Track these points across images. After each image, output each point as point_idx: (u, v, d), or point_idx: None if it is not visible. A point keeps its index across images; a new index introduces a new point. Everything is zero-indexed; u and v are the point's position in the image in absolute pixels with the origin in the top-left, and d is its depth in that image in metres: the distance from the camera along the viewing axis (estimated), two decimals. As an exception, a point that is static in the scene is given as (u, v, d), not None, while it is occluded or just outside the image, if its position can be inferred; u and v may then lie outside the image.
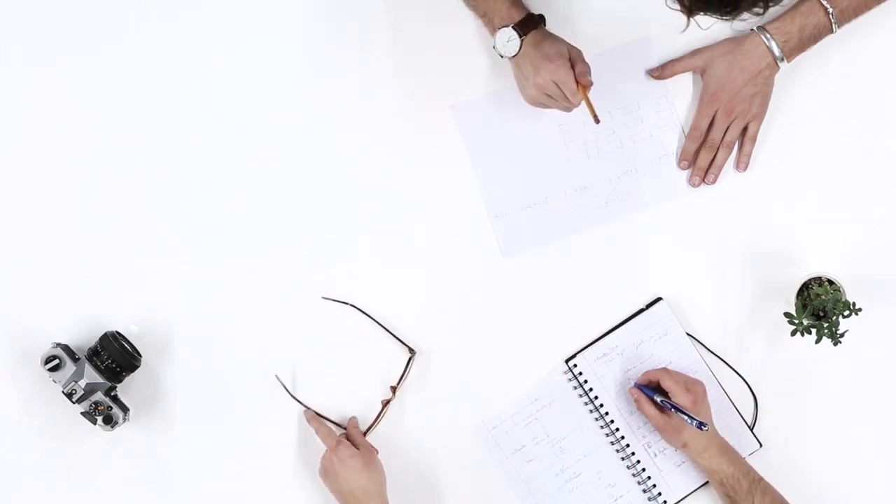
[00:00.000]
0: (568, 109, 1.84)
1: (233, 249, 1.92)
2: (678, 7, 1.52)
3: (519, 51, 1.81)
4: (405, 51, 1.86)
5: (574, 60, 1.81)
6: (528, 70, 1.81)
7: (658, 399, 1.84)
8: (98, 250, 1.92)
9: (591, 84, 1.81)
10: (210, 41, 1.94)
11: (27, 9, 1.93)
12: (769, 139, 1.93)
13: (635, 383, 1.89)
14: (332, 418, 1.91)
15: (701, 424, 1.79)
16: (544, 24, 1.84)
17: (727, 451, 1.84)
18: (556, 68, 1.79)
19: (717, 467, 1.82)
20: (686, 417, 1.80)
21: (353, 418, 1.91)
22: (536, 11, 1.84)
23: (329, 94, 1.94)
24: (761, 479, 1.82)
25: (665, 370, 1.87)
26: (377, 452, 1.88)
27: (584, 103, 1.81)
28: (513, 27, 1.80)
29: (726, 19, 1.53)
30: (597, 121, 1.82)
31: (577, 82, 1.80)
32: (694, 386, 1.84)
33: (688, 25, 1.58)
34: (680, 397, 1.82)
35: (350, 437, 1.88)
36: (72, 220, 1.93)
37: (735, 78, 1.88)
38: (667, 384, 1.84)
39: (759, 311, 1.92)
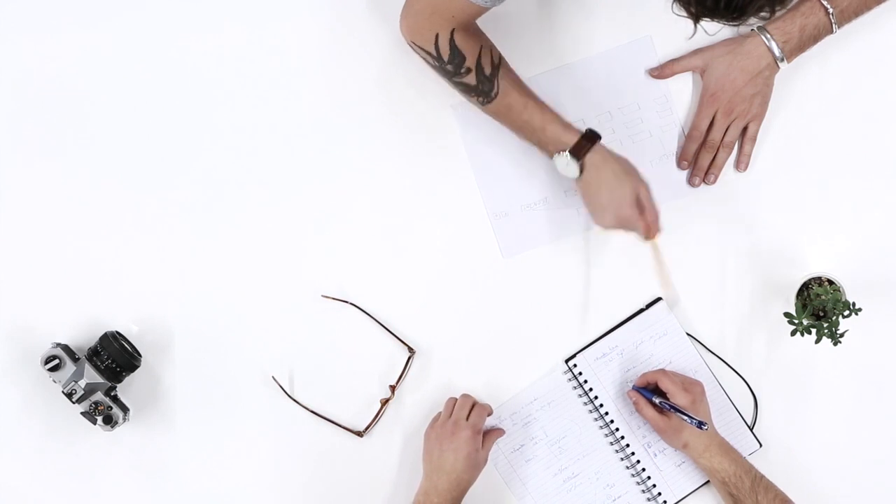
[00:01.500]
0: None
1: (232, 249, 1.93)
2: (685, 14, 1.52)
3: (581, 174, 1.81)
4: (405, 50, 1.85)
5: (641, 203, 1.82)
6: (603, 198, 1.82)
7: (657, 401, 1.84)
8: (98, 250, 1.92)
9: (660, 231, 1.84)
10: (209, 41, 1.94)
11: (28, 8, 1.94)
12: (769, 139, 1.93)
13: (634, 386, 1.89)
14: (335, 419, 1.91)
15: (700, 424, 1.79)
16: (600, 139, 1.82)
17: (728, 450, 1.84)
18: (626, 217, 1.81)
19: (719, 466, 1.82)
20: (685, 417, 1.80)
21: (502, 431, 1.89)
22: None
23: (329, 94, 1.94)
24: (762, 476, 1.82)
25: (663, 371, 1.87)
26: (486, 463, 1.86)
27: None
28: (568, 153, 1.81)
29: (733, 24, 1.53)
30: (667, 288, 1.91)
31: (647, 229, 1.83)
32: (692, 386, 1.84)
33: (695, 32, 1.58)
34: (678, 398, 1.82)
35: (486, 435, 1.86)
36: (72, 221, 1.92)
37: (735, 78, 1.88)
38: (665, 385, 1.84)
39: (759, 311, 1.92)
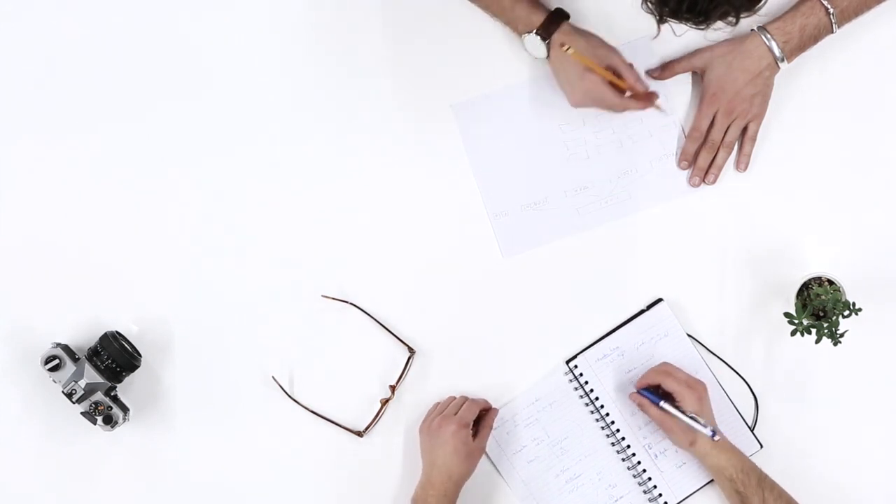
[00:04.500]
0: (620, 111, 1.87)
1: (233, 249, 1.93)
2: (651, 14, 1.53)
3: (549, 53, 1.82)
4: (405, 50, 1.86)
5: (616, 68, 1.83)
6: (572, 75, 1.83)
7: (663, 405, 1.82)
8: (98, 250, 1.93)
9: (647, 89, 1.85)
10: (207, 41, 1.95)
11: (30, 13, 1.94)
12: (769, 139, 1.93)
13: (637, 389, 1.88)
14: (335, 419, 1.91)
15: (714, 433, 1.78)
16: (568, 19, 1.85)
17: (733, 448, 1.83)
18: (590, 87, 1.82)
19: (726, 463, 1.81)
20: (698, 426, 1.79)
21: (495, 410, 1.89)
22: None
23: (329, 94, 1.94)
24: (767, 475, 1.82)
25: (665, 371, 1.85)
26: (482, 454, 1.87)
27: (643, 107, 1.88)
28: (535, 32, 1.82)
29: (700, 28, 1.54)
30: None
31: (630, 90, 1.84)
32: (696, 384, 1.83)
33: (658, 33, 1.59)
34: (685, 398, 1.81)
35: (481, 424, 1.86)
36: (72, 220, 1.93)
37: (735, 78, 1.88)
38: (670, 386, 1.83)
39: (759, 311, 1.91)
